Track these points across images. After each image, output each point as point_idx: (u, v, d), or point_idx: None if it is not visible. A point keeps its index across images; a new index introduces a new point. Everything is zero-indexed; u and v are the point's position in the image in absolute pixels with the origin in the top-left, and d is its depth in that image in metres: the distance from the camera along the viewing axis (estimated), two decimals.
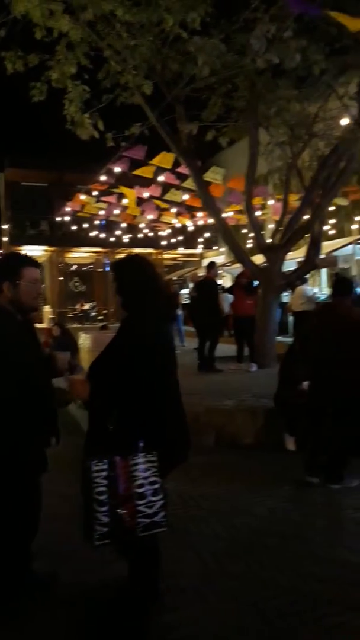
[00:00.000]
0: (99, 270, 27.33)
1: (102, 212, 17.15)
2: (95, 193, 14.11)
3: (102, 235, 22.92)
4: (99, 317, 23.98)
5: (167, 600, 2.69)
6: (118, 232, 22.32)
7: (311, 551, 3.27)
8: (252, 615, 2.63)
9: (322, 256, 12.93)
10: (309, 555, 3.22)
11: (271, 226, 10.72)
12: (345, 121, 7.97)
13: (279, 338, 9.76)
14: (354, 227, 16.08)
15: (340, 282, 4.72)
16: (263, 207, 13.11)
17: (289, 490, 4.25)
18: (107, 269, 26.21)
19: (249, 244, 15.04)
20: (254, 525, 3.65)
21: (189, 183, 9.25)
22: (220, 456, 5.15)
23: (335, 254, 13.41)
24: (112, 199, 15.29)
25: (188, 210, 15.89)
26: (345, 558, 3.18)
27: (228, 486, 4.38)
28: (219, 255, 24.36)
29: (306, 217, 9.13)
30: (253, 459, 5.09)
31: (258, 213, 12.08)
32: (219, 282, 14.76)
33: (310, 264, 9.01)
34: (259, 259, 9.39)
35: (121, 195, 14.58)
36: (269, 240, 9.27)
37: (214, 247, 26.21)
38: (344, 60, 7.43)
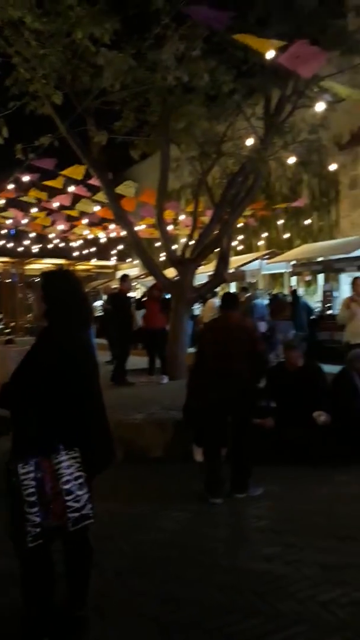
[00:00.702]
0: (7, 281, 26.34)
1: (9, 222, 16.60)
2: (2, 201, 13.64)
3: (10, 245, 22.18)
4: (6, 330, 23.05)
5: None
6: (27, 242, 21.70)
7: (214, 562, 3.30)
8: (152, 631, 2.60)
9: (232, 270, 13.37)
10: (212, 565, 3.26)
11: (184, 240, 10.93)
12: (251, 141, 8.31)
13: (190, 350, 9.90)
14: (260, 243, 16.75)
15: (229, 296, 4.86)
16: (175, 221, 13.32)
17: (195, 502, 4.28)
18: (15, 279, 25.36)
19: (162, 258, 15.20)
20: (160, 539, 3.63)
21: (101, 196, 9.21)
22: (129, 471, 5.08)
23: (243, 268, 13.87)
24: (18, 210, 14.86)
25: (100, 221, 15.79)
26: (247, 566, 3.24)
27: (135, 501, 4.35)
28: (133, 268, 24.39)
29: (216, 232, 9.37)
30: (162, 472, 5.09)
31: (170, 227, 12.25)
32: (133, 294, 14.77)
33: (219, 278, 9.24)
34: (171, 273, 9.51)
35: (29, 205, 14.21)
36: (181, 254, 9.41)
37: (128, 260, 26.23)
38: (251, 83, 7.78)
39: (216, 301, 12.24)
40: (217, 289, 12.41)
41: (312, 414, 5.06)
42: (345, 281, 11.71)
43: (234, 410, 4.25)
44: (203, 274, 12.07)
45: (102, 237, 18.69)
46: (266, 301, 11.84)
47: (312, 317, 11.76)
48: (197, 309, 12.43)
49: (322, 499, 4.31)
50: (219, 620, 2.68)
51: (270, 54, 5.05)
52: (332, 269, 11.97)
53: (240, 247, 17.07)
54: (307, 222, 15.34)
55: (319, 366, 5.59)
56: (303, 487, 4.60)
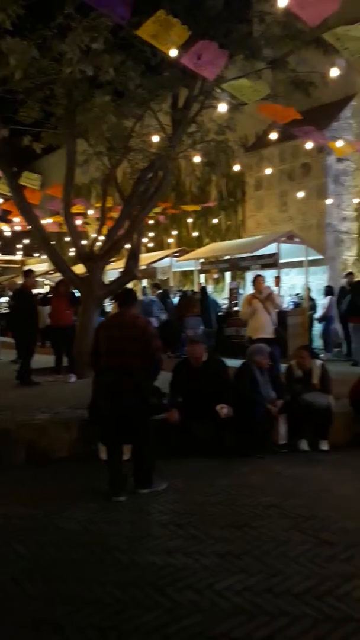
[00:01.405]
0: None
1: None
2: None
3: None
4: None
5: None
6: None
7: (115, 559, 3.29)
8: (50, 634, 2.55)
9: (143, 267, 13.39)
10: (113, 563, 3.24)
11: (94, 236, 10.81)
12: (158, 138, 8.35)
13: None
14: (171, 240, 16.94)
15: (126, 293, 4.87)
16: (84, 216, 13.12)
17: (98, 501, 4.24)
18: None
19: (72, 253, 14.91)
20: (60, 540, 3.56)
21: (4, 188, 8.86)
22: (31, 472, 4.96)
23: (154, 265, 13.95)
24: None
25: (4, 214, 15.18)
26: (148, 561, 3.26)
27: (36, 502, 4.23)
28: (42, 263, 23.71)
29: (125, 228, 9.33)
30: (65, 471, 5.00)
31: (79, 222, 12.04)
32: (39, 290, 14.37)
33: (129, 275, 9.22)
34: (80, 269, 9.35)
35: None
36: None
37: (35, 254, 25.46)
38: (158, 80, 7.81)
39: (144, 297, 12.24)
40: (129, 286, 12.40)
41: (215, 407, 5.18)
42: (250, 279, 12.14)
43: (129, 407, 4.25)
44: (114, 270, 12.01)
45: (7, 230, 17.99)
46: (155, 298, 12.03)
47: (220, 313, 12.07)
48: (108, 305, 12.33)
49: (223, 490, 4.43)
50: (116, 617, 2.67)
51: (173, 53, 5.09)
52: (238, 267, 12.33)
53: (151, 244, 17.15)
54: (215, 221, 15.71)
55: (222, 360, 5.74)
56: (205, 479, 4.71)
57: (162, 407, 4.58)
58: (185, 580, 3.01)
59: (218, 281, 15.44)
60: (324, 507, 4.05)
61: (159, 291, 12.64)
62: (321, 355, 11.08)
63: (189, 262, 13.65)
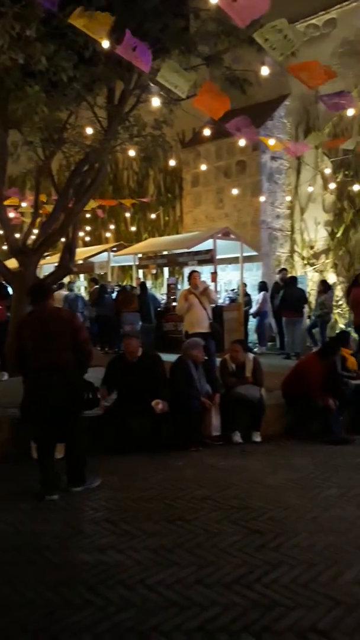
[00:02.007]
0: None
1: None
2: None
3: None
4: None
5: None
6: None
7: (47, 559, 3.24)
8: None
9: (80, 262, 13.18)
10: (44, 564, 3.19)
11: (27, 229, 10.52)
12: (92, 130, 8.24)
13: None
14: (109, 234, 16.78)
15: (37, 288, 4.59)
16: (16, 208, 12.75)
17: (30, 501, 4.15)
18: None
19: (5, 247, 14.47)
20: None
21: None
22: None
23: (91, 260, 13.77)
24: None
25: None
26: (80, 560, 3.22)
27: None
28: None
29: (60, 222, 9.14)
30: None
31: (12, 215, 11.69)
32: None
33: (64, 269, 9.04)
34: (13, 263, 9.08)
35: None
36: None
37: None
38: (93, 72, 7.67)
39: (62, 292, 12.03)
40: (65, 280, 12.18)
41: (151, 403, 5.19)
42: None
43: (61, 403, 4.18)
44: (50, 264, 11.76)
45: None
46: (83, 293, 11.93)
47: (159, 308, 12.08)
48: None
49: (158, 485, 4.45)
50: (47, 619, 2.63)
51: (105, 44, 5.02)
52: (175, 262, 12.38)
53: (88, 239, 16.92)
54: (153, 216, 15.69)
55: (157, 355, 5.75)
56: (141, 475, 4.71)
57: (95, 403, 4.52)
58: (117, 576, 3.01)
59: (157, 276, 15.44)
60: (255, 498, 4.16)
61: (96, 286, 12.50)
62: (255, 349, 11.36)
63: (127, 257, 13.57)
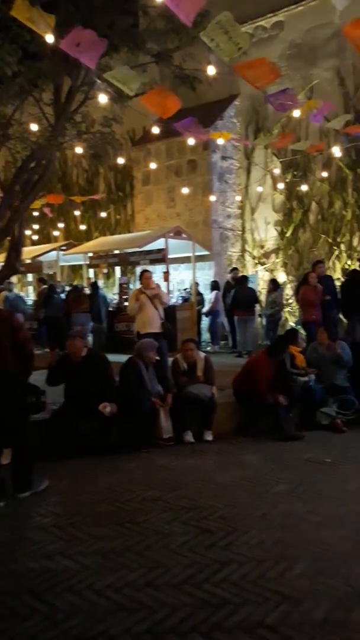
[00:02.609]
0: None
1: None
2: None
3: None
4: None
5: None
6: None
7: None
8: None
9: (28, 261, 12.89)
10: None
11: None
12: (36, 126, 8.08)
13: None
14: (57, 233, 16.49)
15: None
16: None
17: None
18: None
19: None
20: None
21: None
22: None
23: (40, 259, 13.48)
24: None
25: None
26: (27, 567, 3.13)
27: None
28: None
29: (6, 220, 8.90)
30: None
31: None
32: None
33: (11, 269, 8.81)
34: None
35: None
36: None
37: None
38: (39, 67, 7.51)
39: (8, 294, 11.76)
40: (12, 280, 11.88)
41: (98, 406, 5.10)
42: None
43: (5, 408, 4.06)
44: None
45: None
46: (21, 293, 11.72)
47: (110, 308, 11.97)
48: None
49: (108, 488, 4.39)
50: None
51: (50, 38, 4.90)
52: (127, 261, 12.29)
53: (36, 237, 16.56)
54: (104, 214, 15.52)
55: (103, 355, 5.65)
56: (90, 478, 4.63)
57: (41, 407, 4.41)
58: (64, 583, 2.94)
59: (108, 276, 15.29)
60: (206, 497, 4.16)
61: (45, 286, 12.25)
62: (208, 348, 11.43)
63: (77, 256, 13.36)
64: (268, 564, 3.10)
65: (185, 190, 12.52)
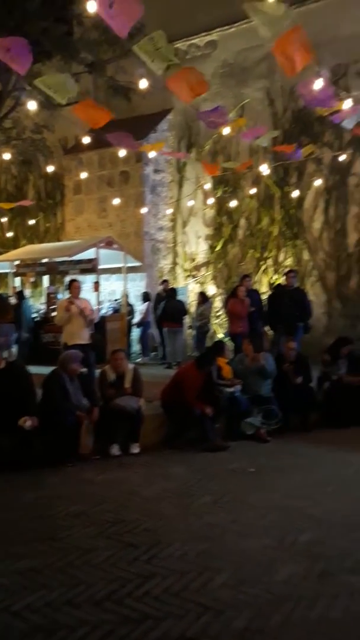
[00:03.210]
0: None
1: None
2: None
3: None
4: None
5: None
6: None
7: None
8: None
9: None
10: None
11: None
12: None
13: None
14: None
15: None
16: None
17: None
18: None
19: None
20: None
21: None
22: None
23: None
24: None
25: None
26: None
27: None
28: None
29: None
30: None
31: None
32: None
33: None
34: None
35: None
36: None
37: None
38: None
39: None
40: None
41: (18, 421, 4.94)
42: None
43: None
44: None
45: None
46: None
47: (37, 319, 11.68)
48: None
49: (31, 504, 4.25)
50: None
51: None
52: (56, 271, 12.05)
53: None
54: (32, 222, 15.17)
55: (25, 367, 5.50)
56: (12, 494, 4.47)
57: None
58: None
59: (35, 285, 14.92)
60: (131, 510, 4.12)
61: None
62: (138, 360, 11.40)
63: (3, 264, 12.94)
64: (191, 575, 3.11)
65: (116, 201, 12.49)
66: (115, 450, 5.63)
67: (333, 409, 7.06)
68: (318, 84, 5.72)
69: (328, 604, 2.80)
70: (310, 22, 7.93)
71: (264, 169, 10.31)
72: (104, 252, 11.41)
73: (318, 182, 11.35)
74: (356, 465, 5.36)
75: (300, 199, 11.96)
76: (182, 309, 11.00)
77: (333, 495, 4.49)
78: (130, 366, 6.18)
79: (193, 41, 13.35)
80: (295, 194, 11.70)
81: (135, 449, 5.75)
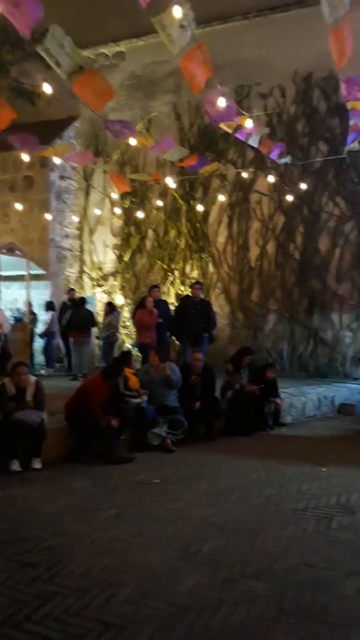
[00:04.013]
0: None
1: None
2: None
3: None
4: None
5: None
6: None
7: None
8: None
9: None
10: None
11: None
12: None
13: None
14: None
15: None
16: None
17: None
18: None
19: None
20: None
21: None
22: None
23: None
24: None
25: None
26: None
27: None
28: None
29: None
30: None
31: None
32: None
33: None
34: None
35: None
36: None
37: None
38: None
39: None
40: None
41: None
42: None
43: None
44: None
45: None
46: None
47: None
48: None
49: None
50: None
51: None
52: None
53: None
54: None
55: None
56: None
57: None
58: None
59: None
60: (32, 528, 3.95)
61: None
62: (42, 371, 11.05)
63: None
64: (93, 592, 3.02)
65: (19, 207, 12.09)
66: (15, 466, 5.38)
67: (236, 418, 7.26)
68: (221, 101, 5.90)
69: (230, 611, 2.84)
70: (215, 42, 8.22)
71: (171, 182, 10.46)
72: (5, 259, 11.01)
73: (222, 198, 11.70)
74: (258, 472, 5.53)
75: (206, 213, 12.27)
76: (90, 319, 10.83)
77: (236, 503, 4.59)
78: (33, 379, 5.95)
79: (102, 50, 13.33)
80: (201, 208, 11.98)
81: (37, 464, 5.53)
